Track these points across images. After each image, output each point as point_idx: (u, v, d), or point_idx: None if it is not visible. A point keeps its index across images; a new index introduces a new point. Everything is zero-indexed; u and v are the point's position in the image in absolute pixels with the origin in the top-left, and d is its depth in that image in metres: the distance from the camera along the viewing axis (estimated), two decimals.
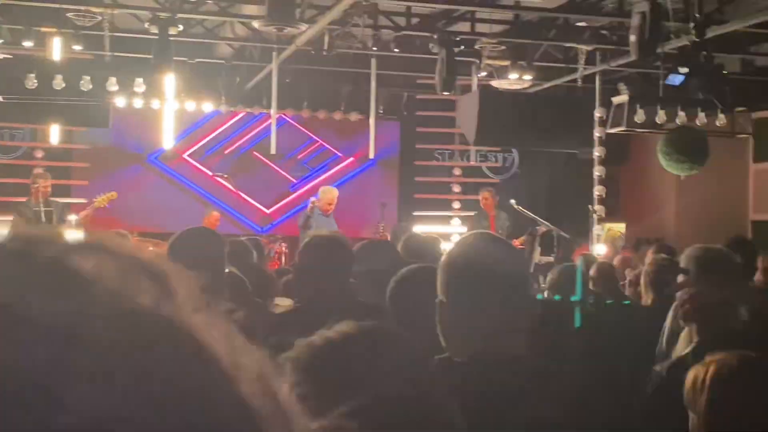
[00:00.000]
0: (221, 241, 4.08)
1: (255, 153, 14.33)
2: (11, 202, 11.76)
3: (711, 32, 8.82)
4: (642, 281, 6.08)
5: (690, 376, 2.53)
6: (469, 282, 2.27)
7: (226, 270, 4.26)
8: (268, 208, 14.23)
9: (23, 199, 11.37)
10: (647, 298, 5.89)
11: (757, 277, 6.64)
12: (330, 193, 11.45)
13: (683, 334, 3.56)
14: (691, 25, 8.46)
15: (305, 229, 11.03)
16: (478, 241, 2.47)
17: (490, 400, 2.07)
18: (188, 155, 14.25)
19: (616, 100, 10.41)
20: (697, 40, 8.46)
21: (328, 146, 14.58)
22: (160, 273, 0.54)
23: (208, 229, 4.29)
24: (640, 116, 9.88)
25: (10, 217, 11.20)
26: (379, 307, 4.19)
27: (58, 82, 9.03)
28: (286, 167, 14.53)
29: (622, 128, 10.15)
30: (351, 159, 14.53)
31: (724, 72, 9.67)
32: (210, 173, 14.07)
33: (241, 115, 14.25)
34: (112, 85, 9.29)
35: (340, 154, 14.61)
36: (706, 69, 8.97)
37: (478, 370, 2.16)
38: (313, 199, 11.38)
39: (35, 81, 9.00)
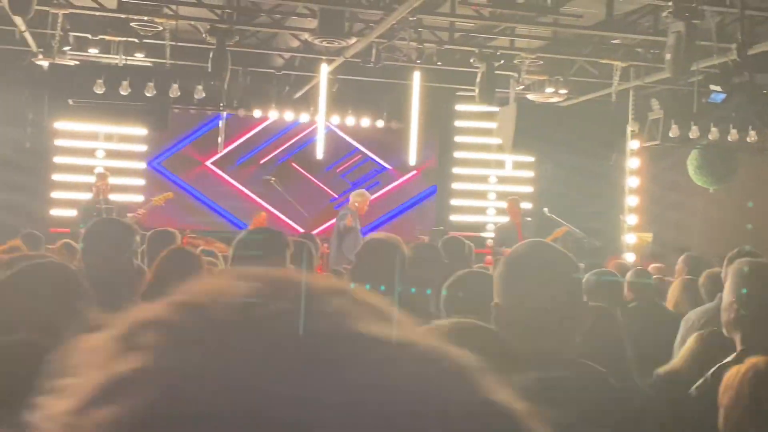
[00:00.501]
0: (286, 241, 4.16)
1: (294, 164, 14.12)
2: (74, 199, 11.93)
3: (754, 49, 8.81)
4: (677, 290, 6.06)
5: (728, 374, 2.57)
6: (525, 287, 2.31)
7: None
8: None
9: (86, 196, 11.57)
10: (671, 305, 5.90)
11: None
12: (367, 196, 11.60)
13: (690, 339, 3.59)
14: (734, 45, 8.44)
15: (345, 233, 11.13)
16: (534, 249, 2.50)
17: (544, 400, 2.11)
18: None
19: (651, 115, 10.43)
20: (738, 60, 8.43)
21: (370, 155, 14.48)
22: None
23: (273, 229, 4.34)
24: (674, 131, 9.89)
25: (74, 213, 11.43)
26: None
27: (125, 88, 9.22)
28: (326, 180, 14.32)
29: (657, 142, 10.16)
30: (398, 174, 14.40)
31: (765, 91, 9.62)
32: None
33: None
34: (174, 91, 9.46)
35: (387, 165, 14.43)
36: (747, 88, 8.94)
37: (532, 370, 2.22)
38: (355, 204, 11.47)
39: (103, 86, 9.19)
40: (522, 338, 2.26)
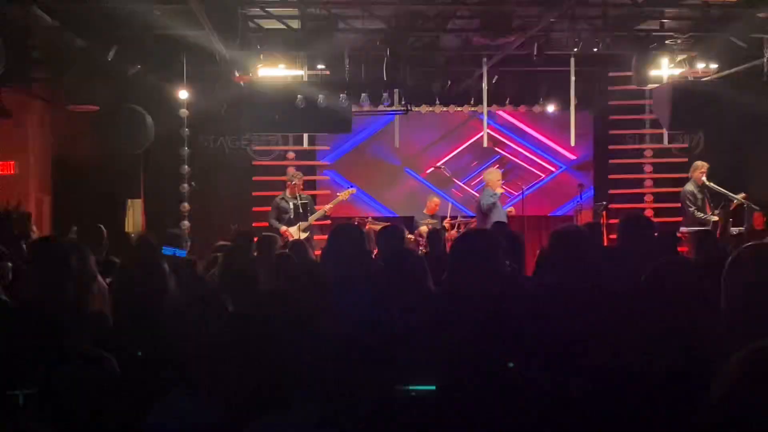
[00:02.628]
0: (499, 242, 4.27)
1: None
2: (268, 196, 12.42)
3: None
4: None
5: None
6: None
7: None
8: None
9: (279, 194, 12.03)
10: None
11: None
12: (497, 173, 11.62)
13: None
14: None
15: (488, 211, 11.17)
16: None
17: None
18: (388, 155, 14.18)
19: None
20: None
21: (530, 136, 14.39)
22: None
23: (484, 231, 4.42)
24: None
25: (269, 209, 11.92)
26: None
27: (321, 101, 9.56)
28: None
29: None
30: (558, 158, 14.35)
31: None
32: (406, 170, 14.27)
33: (432, 117, 13.97)
34: (364, 99, 9.74)
35: (544, 142, 14.39)
36: None
37: None
38: (490, 182, 11.48)
39: (303, 101, 9.56)
40: None
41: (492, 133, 13.65)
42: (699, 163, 11.65)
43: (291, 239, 10.57)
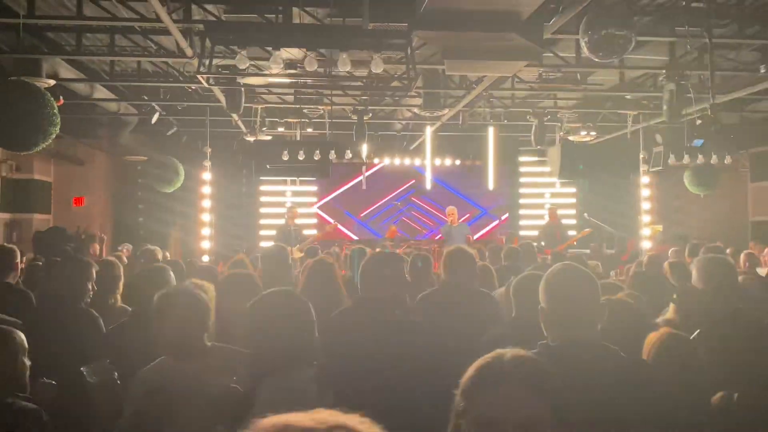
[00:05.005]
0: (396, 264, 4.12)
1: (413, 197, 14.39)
2: (272, 224, 12.52)
3: (720, 100, 8.61)
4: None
5: None
6: (562, 296, 2.34)
7: None
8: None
9: (280, 222, 12.12)
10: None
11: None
12: (453, 210, 11.79)
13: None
14: (708, 105, 8.24)
15: (448, 237, 11.34)
16: (565, 271, 2.43)
17: (576, 370, 2.10)
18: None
19: (655, 149, 10.23)
20: (711, 115, 8.23)
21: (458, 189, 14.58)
22: None
23: (389, 254, 4.12)
24: (672, 159, 9.69)
25: (274, 232, 11.99)
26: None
27: (301, 155, 9.70)
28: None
29: (660, 168, 9.98)
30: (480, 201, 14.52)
31: (732, 136, 9.37)
32: (371, 205, 14.39)
33: (390, 168, 14.30)
34: (332, 155, 9.88)
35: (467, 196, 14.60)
36: (717, 136, 8.73)
37: (568, 350, 2.23)
38: (449, 216, 11.69)
39: (288, 155, 9.70)
40: (560, 329, 2.31)
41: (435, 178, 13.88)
42: (549, 206, 12.09)
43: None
